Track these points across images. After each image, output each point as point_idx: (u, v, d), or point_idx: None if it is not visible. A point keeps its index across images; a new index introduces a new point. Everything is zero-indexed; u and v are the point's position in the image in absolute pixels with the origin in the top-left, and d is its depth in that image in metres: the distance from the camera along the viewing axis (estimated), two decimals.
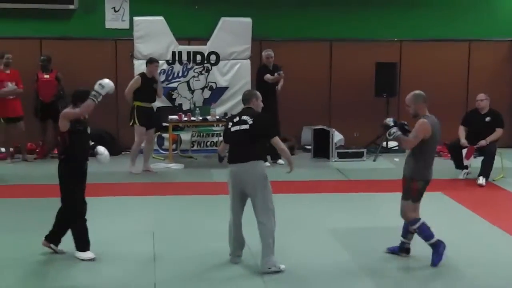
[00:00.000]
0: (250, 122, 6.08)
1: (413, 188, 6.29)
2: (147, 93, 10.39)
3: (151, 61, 10.53)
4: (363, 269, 6.24)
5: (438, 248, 6.31)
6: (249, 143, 6.07)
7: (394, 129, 6.30)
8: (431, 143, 6.25)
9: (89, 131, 6.57)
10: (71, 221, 6.44)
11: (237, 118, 6.20)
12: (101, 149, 6.62)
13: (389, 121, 6.44)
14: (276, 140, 6.16)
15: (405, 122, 6.54)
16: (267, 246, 6.04)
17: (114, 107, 11.86)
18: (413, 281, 6.12)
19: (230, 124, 6.23)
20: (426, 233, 6.34)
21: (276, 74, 10.82)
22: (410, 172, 6.33)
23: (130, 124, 10.46)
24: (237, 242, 6.31)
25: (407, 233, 6.57)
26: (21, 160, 11.35)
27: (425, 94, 6.39)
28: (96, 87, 6.39)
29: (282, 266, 6.08)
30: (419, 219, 6.35)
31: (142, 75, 10.44)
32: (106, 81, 6.44)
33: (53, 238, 6.58)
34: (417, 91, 6.40)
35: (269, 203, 6.07)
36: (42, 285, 5.87)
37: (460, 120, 10.47)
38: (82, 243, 6.44)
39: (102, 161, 6.63)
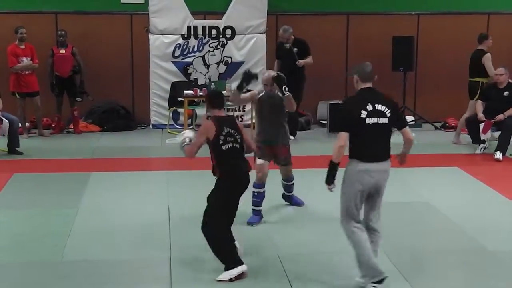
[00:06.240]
0: (389, 115, 5.15)
1: None
2: None
3: None
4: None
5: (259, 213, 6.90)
6: (388, 138, 5.21)
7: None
8: None
9: None
10: None
11: (370, 106, 5.11)
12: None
13: None
14: (408, 129, 5.38)
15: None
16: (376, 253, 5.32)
17: (129, 81, 11.78)
18: (429, 257, 6.11)
19: (364, 113, 5.08)
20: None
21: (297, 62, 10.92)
22: None
23: None
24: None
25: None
26: (38, 135, 11.41)
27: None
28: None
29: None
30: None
31: None
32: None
33: None
34: None
35: None
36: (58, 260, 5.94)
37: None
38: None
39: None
